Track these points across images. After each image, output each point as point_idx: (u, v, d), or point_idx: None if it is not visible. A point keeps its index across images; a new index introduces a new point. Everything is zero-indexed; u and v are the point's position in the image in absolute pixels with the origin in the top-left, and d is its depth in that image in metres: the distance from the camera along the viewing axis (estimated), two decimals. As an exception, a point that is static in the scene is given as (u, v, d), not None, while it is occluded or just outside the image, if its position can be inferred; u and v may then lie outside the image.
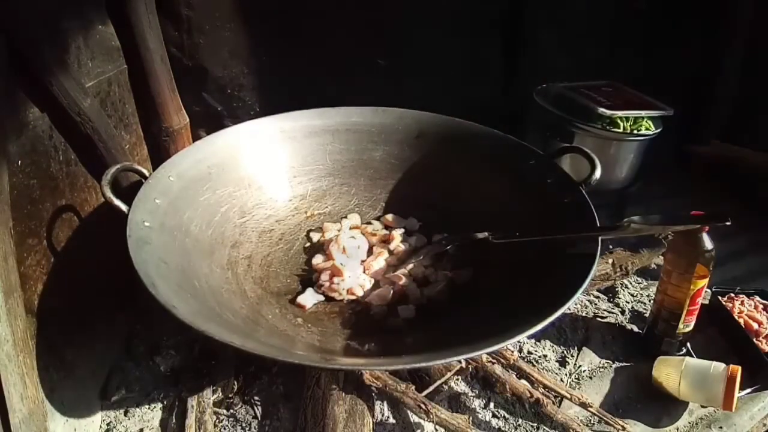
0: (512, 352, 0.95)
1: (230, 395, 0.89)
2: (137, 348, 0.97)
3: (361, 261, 1.01)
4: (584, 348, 1.04)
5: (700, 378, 0.91)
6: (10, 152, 0.75)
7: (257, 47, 1.18)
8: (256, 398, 0.90)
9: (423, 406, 0.80)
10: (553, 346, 1.04)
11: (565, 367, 1.00)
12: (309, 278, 0.99)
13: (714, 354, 0.97)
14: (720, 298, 1.11)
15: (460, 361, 0.91)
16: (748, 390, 0.95)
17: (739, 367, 0.89)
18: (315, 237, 1.07)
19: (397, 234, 1.06)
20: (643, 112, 1.32)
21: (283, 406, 0.89)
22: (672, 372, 0.93)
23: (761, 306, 1.10)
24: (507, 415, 0.90)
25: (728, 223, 0.83)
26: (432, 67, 1.34)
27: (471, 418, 0.84)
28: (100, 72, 0.94)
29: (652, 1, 1.56)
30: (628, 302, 1.16)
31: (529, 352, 1.02)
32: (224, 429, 0.86)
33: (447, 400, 0.92)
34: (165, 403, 0.90)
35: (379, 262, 1.00)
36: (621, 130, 1.31)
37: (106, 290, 0.95)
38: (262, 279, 0.96)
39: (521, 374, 0.93)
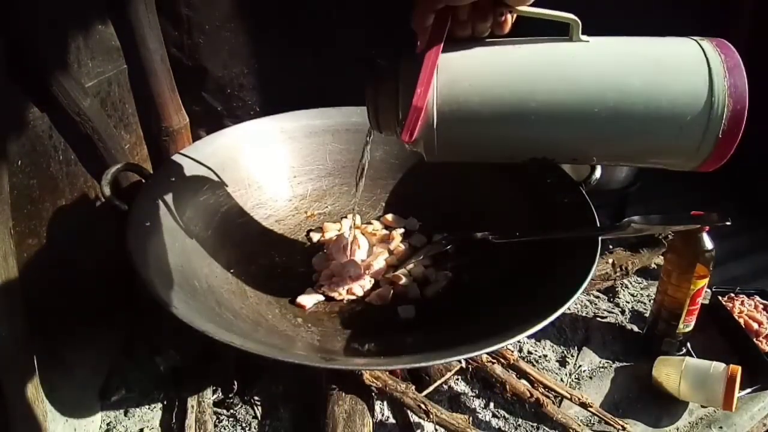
0: (512, 352, 0.95)
1: (230, 395, 0.89)
2: (137, 348, 0.97)
3: (361, 261, 1.01)
4: (584, 348, 1.04)
5: (700, 378, 0.91)
6: (10, 152, 0.75)
7: (257, 47, 1.18)
8: (256, 398, 0.90)
9: (423, 406, 0.80)
10: (553, 346, 1.04)
11: (565, 367, 1.00)
12: (309, 278, 0.99)
13: (714, 354, 0.97)
14: (720, 298, 1.11)
15: (460, 361, 0.91)
16: (748, 390, 0.95)
17: (739, 367, 0.89)
18: (315, 237, 1.07)
19: (397, 234, 1.06)
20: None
21: (283, 406, 0.89)
22: (672, 372, 0.93)
23: (761, 306, 1.10)
24: (507, 415, 0.90)
25: (728, 223, 0.83)
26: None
27: (471, 418, 0.84)
28: (100, 72, 0.94)
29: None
30: (628, 302, 1.16)
31: (529, 352, 1.02)
32: (224, 429, 0.86)
33: (447, 400, 0.92)
34: (165, 403, 0.90)
35: (379, 262, 1.00)
36: (621, 130, 1.31)
37: (106, 290, 0.95)
38: (261, 279, 0.96)
39: (521, 374, 0.93)
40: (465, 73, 0.61)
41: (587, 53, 0.62)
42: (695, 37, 0.63)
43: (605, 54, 0.62)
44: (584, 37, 0.63)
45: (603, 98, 0.60)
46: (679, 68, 0.61)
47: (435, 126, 0.62)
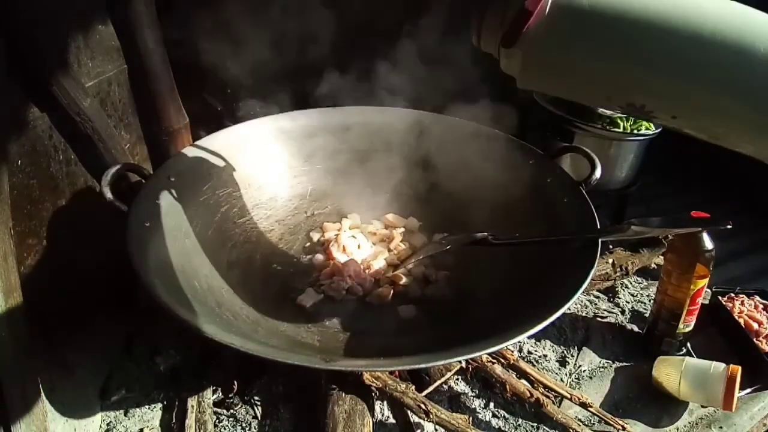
0: (512, 352, 0.95)
1: (230, 395, 0.89)
2: (137, 348, 0.97)
3: (361, 261, 1.01)
4: (584, 348, 1.04)
5: (700, 378, 0.91)
6: (10, 152, 0.75)
7: (257, 47, 1.18)
8: (256, 398, 0.90)
9: (423, 406, 0.80)
10: (553, 346, 1.04)
11: (565, 367, 1.00)
12: (309, 278, 0.99)
13: (714, 354, 0.97)
14: (720, 298, 1.11)
15: (460, 361, 0.91)
16: (748, 390, 0.95)
17: (739, 367, 0.89)
18: (315, 237, 1.07)
19: (397, 234, 1.06)
20: (643, 112, 1.32)
21: (283, 406, 0.89)
22: (672, 372, 0.93)
23: (761, 306, 1.10)
24: (507, 415, 0.90)
25: (729, 227, 0.83)
26: (432, 66, 1.34)
27: (471, 418, 0.84)
28: (100, 72, 0.94)
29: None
30: (628, 302, 1.16)
31: (529, 352, 1.02)
32: (224, 429, 0.86)
33: (447, 400, 0.92)
34: (165, 403, 0.90)
35: (379, 262, 1.00)
36: (621, 129, 1.31)
37: (106, 290, 0.95)
38: (262, 279, 0.96)
39: (521, 374, 0.93)
40: None
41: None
42: None
43: (740, 12, 0.57)
44: None
45: (722, 52, 0.55)
46: None
47: (546, 32, 0.58)
